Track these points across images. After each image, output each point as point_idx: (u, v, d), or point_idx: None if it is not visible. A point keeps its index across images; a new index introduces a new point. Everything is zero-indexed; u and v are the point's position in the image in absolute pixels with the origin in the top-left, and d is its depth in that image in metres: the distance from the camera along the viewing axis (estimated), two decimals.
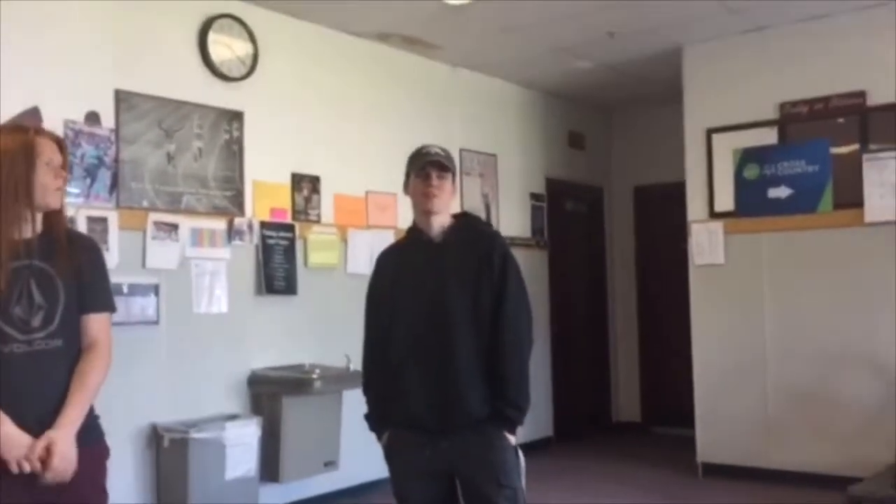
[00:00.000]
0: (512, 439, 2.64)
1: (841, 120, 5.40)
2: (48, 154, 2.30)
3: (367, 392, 2.80)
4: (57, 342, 2.27)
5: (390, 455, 2.73)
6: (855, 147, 5.34)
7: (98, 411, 4.17)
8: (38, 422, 2.22)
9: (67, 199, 3.93)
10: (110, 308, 2.47)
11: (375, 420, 2.76)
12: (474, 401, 2.59)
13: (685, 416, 6.11)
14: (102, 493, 2.44)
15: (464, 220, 2.84)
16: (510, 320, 2.62)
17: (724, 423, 5.75)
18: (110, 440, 4.09)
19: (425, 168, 2.69)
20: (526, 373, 2.66)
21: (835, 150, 5.39)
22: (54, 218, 2.35)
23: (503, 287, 2.64)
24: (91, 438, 2.39)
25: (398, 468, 2.71)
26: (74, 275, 2.33)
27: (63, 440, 2.20)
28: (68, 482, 2.24)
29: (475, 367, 2.60)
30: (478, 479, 2.61)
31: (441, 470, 2.63)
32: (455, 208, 2.83)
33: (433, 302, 2.64)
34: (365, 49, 5.60)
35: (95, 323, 2.39)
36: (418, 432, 2.63)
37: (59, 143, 2.38)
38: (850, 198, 5.29)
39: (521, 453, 2.66)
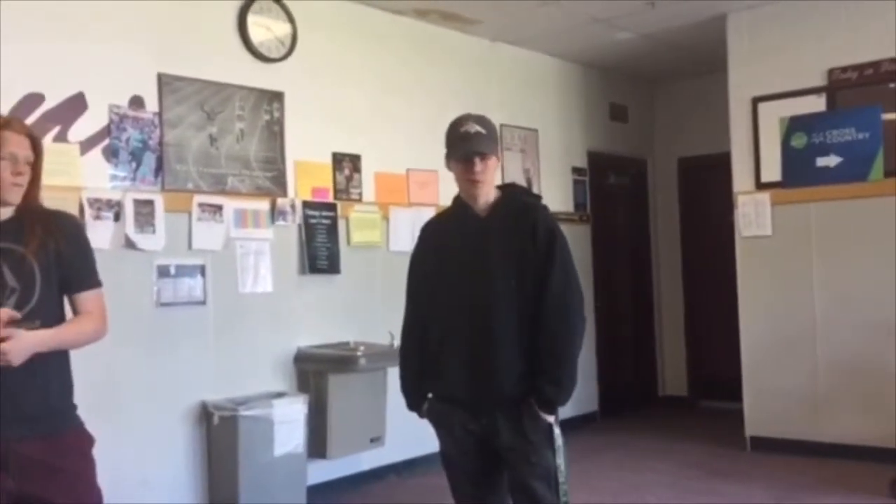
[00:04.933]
0: (549, 418, 2.58)
1: (892, 85, 5.25)
2: (11, 148, 2.26)
3: (403, 365, 2.80)
4: (34, 324, 2.23)
5: (435, 424, 2.75)
6: None
7: (148, 390, 4.31)
8: (30, 405, 2.23)
9: (114, 183, 4.05)
10: (96, 284, 2.43)
11: (411, 395, 2.76)
12: (511, 380, 2.57)
13: (732, 390, 6.05)
14: (93, 490, 2.37)
15: (510, 192, 2.78)
16: (556, 298, 2.56)
17: (772, 396, 5.68)
18: (162, 418, 4.22)
19: (469, 156, 2.62)
20: (572, 351, 2.59)
21: (886, 117, 5.25)
22: (25, 203, 2.32)
23: (549, 264, 2.57)
24: (67, 424, 2.35)
25: (443, 437, 2.74)
26: (53, 254, 2.30)
27: (23, 335, 2.17)
28: (54, 478, 2.23)
29: (516, 346, 2.57)
30: (510, 457, 2.62)
31: (482, 442, 2.64)
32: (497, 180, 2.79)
33: (476, 279, 2.62)
34: (403, 26, 5.58)
35: (87, 300, 2.38)
36: (456, 407, 2.65)
37: (32, 139, 2.34)
38: None
39: (557, 430, 2.60)
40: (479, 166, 2.62)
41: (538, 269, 2.58)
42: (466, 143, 2.62)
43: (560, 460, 2.60)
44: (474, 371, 2.60)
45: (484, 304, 2.60)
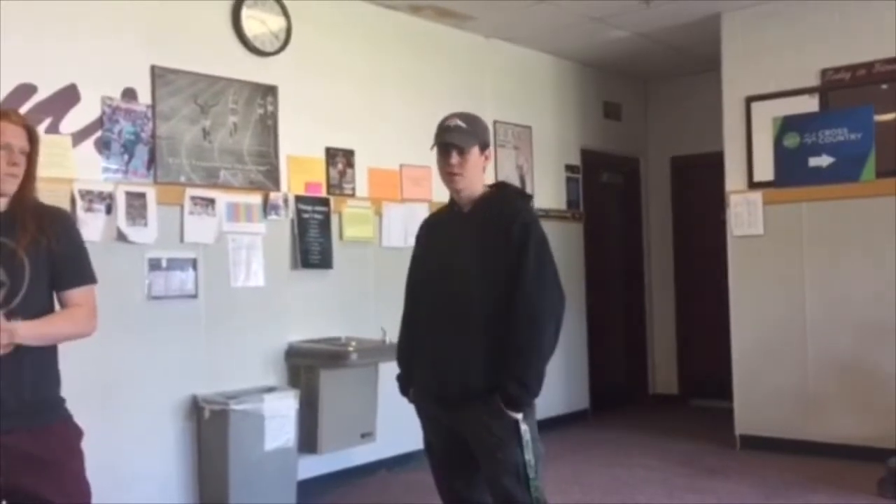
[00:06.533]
0: (515, 415, 2.55)
1: (884, 86, 5.27)
2: (6, 138, 2.26)
3: (398, 354, 2.91)
4: (17, 319, 2.23)
5: (417, 413, 2.83)
6: None
7: (139, 383, 4.30)
8: (17, 397, 2.23)
9: (106, 175, 4.03)
10: (89, 280, 2.42)
11: (402, 382, 2.87)
12: (478, 376, 2.58)
13: (723, 389, 6.08)
14: (81, 482, 2.37)
15: (498, 191, 2.79)
16: (527, 297, 2.54)
17: (762, 395, 5.70)
18: (152, 411, 4.21)
19: (446, 147, 2.66)
20: (540, 351, 2.56)
21: (878, 118, 5.27)
22: (19, 196, 2.32)
23: (522, 261, 2.56)
24: (55, 416, 2.35)
25: (424, 426, 2.82)
26: (45, 250, 2.30)
27: (11, 324, 2.19)
28: (42, 471, 2.24)
29: (486, 343, 2.58)
30: (478, 452, 2.65)
31: (454, 435, 2.69)
32: (490, 178, 2.80)
33: (452, 274, 2.67)
34: (398, 21, 5.57)
35: (75, 296, 2.37)
36: (429, 400, 2.73)
37: (29, 130, 2.34)
38: (894, 166, 5.17)
39: (524, 426, 2.56)
40: (454, 159, 2.64)
41: (512, 266, 2.57)
42: (444, 135, 2.67)
43: (529, 455, 2.57)
44: (444, 366, 2.65)
45: (457, 299, 2.64)
